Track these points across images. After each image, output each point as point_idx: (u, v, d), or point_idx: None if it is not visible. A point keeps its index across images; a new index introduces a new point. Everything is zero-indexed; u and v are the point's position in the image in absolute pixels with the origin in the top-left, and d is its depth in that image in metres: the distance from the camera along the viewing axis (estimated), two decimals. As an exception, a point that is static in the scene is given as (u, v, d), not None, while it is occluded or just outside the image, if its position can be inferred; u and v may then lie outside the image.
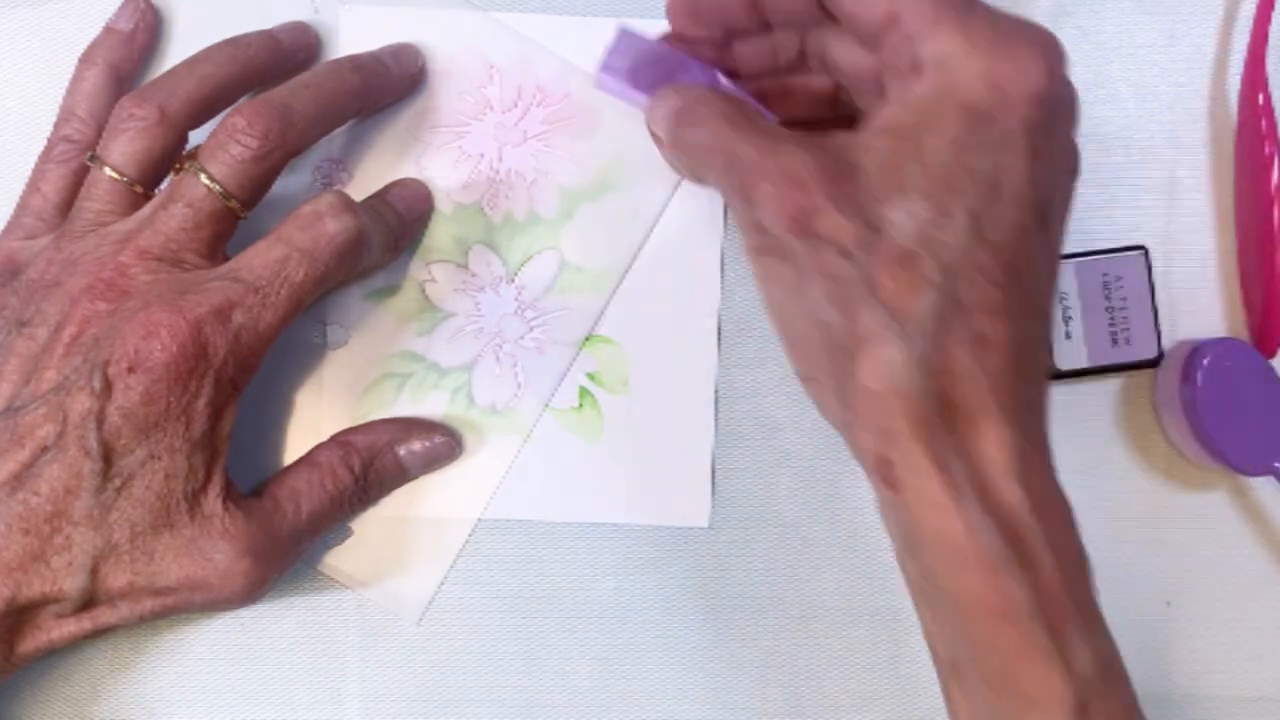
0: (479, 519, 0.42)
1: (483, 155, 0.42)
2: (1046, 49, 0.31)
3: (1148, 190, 0.43)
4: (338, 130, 0.41)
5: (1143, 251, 0.42)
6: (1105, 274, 0.41)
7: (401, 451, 0.40)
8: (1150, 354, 0.42)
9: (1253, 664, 0.42)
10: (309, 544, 0.39)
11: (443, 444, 0.41)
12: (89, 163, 0.38)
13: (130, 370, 0.34)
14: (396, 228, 0.40)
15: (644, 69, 0.37)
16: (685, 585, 0.42)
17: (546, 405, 0.42)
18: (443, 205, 0.42)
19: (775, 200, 0.31)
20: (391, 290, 0.42)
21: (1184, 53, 0.43)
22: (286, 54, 0.41)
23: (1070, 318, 0.41)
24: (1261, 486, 0.43)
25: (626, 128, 0.42)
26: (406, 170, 0.42)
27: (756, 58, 0.38)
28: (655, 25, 0.38)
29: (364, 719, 0.41)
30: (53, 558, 0.34)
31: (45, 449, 0.34)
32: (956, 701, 0.32)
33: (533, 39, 0.43)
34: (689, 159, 0.36)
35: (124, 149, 0.37)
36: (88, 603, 0.35)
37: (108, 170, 0.37)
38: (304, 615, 0.42)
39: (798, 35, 0.38)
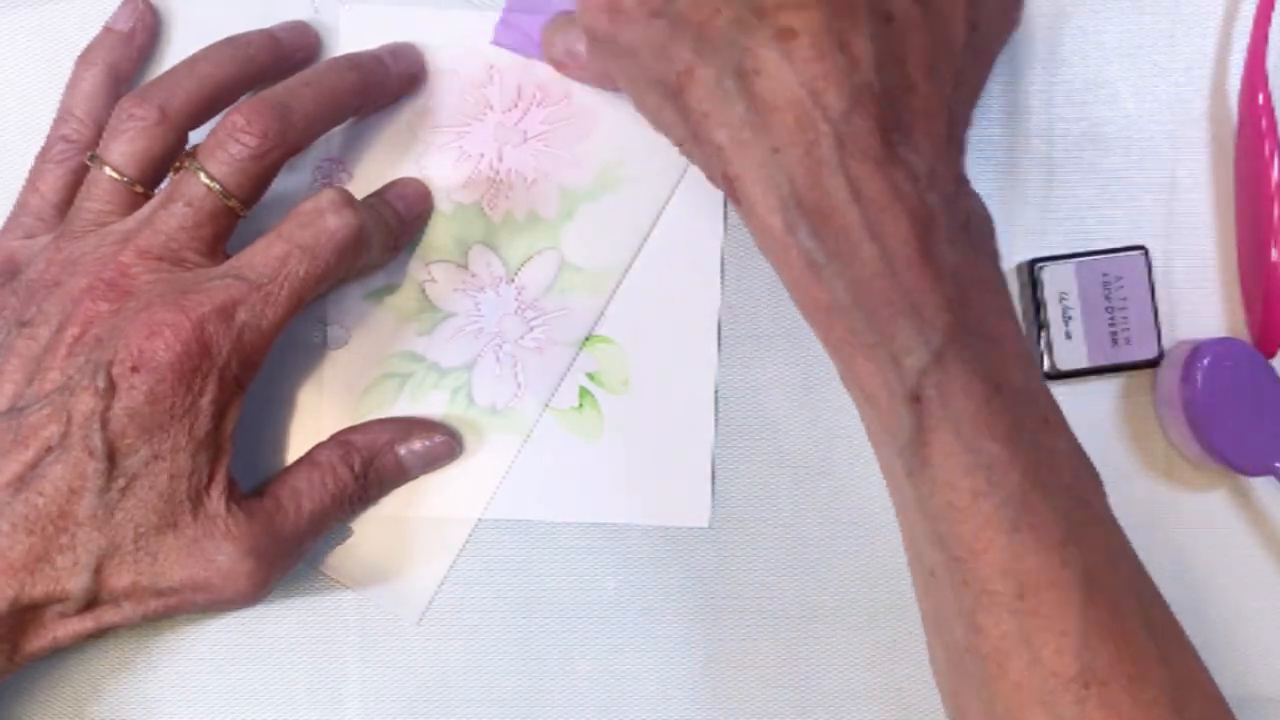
0: (479, 519, 0.42)
1: (483, 155, 0.42)
2: None
3: (1148, 190, 0.43)
4: (338, 129, 0.41)
5: (1143, 251, 0.42)
6: (1105, 274, 0.41)
7: (402, 451, 0.40)
8: (1150, 354, 0.42)
9: (1253, 664, 0.42)
10: (311, 544, 0.39)
11: (443, 444, 0.41)
12: (89, 163, 0.38)
13: (134, 370, 0.34)
14: (396, 227, 0.40)
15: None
16: (685, 585, 0.42)
17: (546, 405, 0.42)
18: (443, 205, 0.42)
19: (586, 6, 0.34)
20: (391, 290, 0.42)
21: (1184, 53, 0.43)
22: (286, 53, 0.41)
23: (1070, 318, 0.41)
24: (1261, 486, 0.43)
25: (626, 128, 0.42)
26: (406, 170, 0.42)
27: None
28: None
29: (364, 719, 0.41)
30: (57, 558, 0.34)
31: (49, 449, 0.34)
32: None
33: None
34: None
35: (124, 149, 0.37)
36: (91, 602, 0.35)
37: (108, 170, 0.37)
38: (304, 615, 0.42)
39: None
